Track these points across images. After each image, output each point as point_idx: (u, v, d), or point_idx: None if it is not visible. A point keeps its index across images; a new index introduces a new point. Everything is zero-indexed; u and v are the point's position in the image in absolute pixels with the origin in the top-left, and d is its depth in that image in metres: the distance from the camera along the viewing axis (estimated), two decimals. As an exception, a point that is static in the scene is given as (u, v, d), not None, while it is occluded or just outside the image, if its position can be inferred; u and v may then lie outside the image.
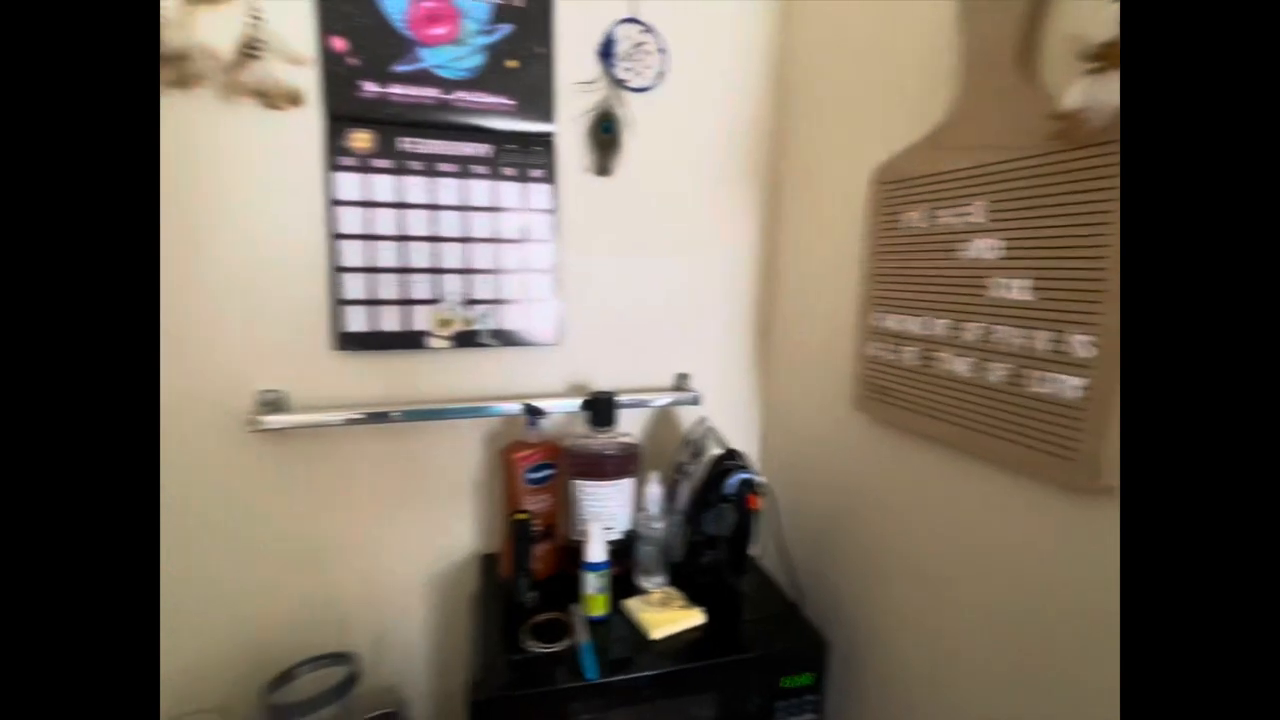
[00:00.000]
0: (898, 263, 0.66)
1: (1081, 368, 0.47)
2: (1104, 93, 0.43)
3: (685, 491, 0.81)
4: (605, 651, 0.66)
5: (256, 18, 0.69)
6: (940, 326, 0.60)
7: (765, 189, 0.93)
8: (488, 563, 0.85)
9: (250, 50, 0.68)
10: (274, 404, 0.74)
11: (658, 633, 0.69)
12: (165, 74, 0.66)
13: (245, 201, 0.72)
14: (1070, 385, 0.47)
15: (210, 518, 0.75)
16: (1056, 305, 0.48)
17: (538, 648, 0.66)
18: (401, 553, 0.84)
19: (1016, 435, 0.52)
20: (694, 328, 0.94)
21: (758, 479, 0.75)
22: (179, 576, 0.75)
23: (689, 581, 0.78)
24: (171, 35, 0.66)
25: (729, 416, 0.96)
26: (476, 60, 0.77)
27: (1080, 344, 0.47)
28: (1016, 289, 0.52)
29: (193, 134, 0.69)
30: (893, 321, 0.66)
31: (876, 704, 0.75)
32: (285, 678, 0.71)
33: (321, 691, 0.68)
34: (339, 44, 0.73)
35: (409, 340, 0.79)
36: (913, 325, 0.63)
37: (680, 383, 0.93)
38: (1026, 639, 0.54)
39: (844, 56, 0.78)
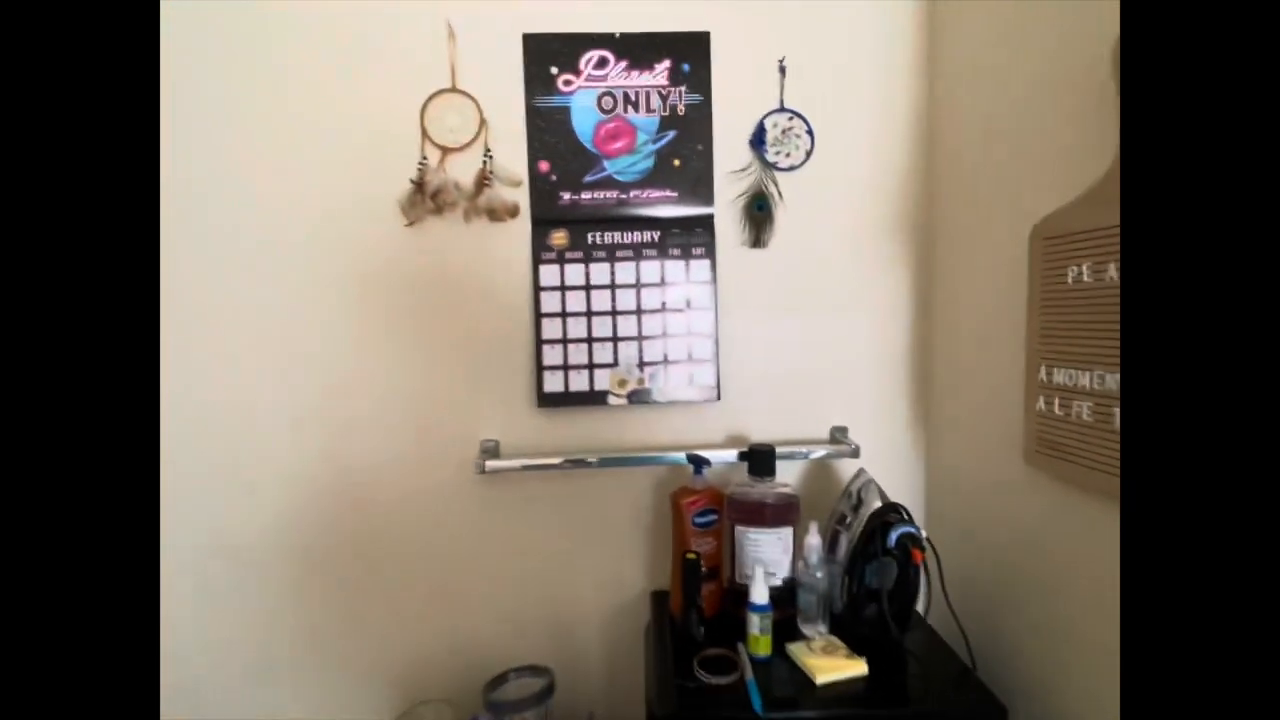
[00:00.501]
0: (1065, 317, 0.65)
1: None
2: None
3: (845, 543, 0.83)
4: (770, 689, 0.71)
5: (488, 156, 0.91)
6: (1111, 380, 0.58)
7: (917, 248, 0.96)
8: (657, 598, 0.94)
9: (483, 181, 0.91)
10: (491, 451, 0.93)
11: (822, 678, 0.72)
12: (429, 205, 0.90)
13: (477, 292, 0.93)
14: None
15: (444, 540, 0.95)
16: (1245, 361, 0.46)
17: (708, 678, 0.73)
18: (586, 582, 0.97)
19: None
20: (848, 383, 0.97)
21: (921, 532, 0.75)
22: (414, 585, 0.95)
23: (850, 633, 0.80)
24: (431, 177, 0.90)
25: (888, 471, 0.96)
26: (647, 164, 0.93)
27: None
28: (1198, 344, 0.50)
29: (445, 246, 0.92)
30: (1063, 376, 0.65)
31: (1074, 790, 0.69)
32: (500, 679, 0.86)
33: (528, 695, 0.81)
34: (543, 166, 0.92)
35: (594, 398, 0.94)
36: (1084, 380, 0.62)
37: (837, 436, 0.97)
38: None
39: (997, 114, 0.80)
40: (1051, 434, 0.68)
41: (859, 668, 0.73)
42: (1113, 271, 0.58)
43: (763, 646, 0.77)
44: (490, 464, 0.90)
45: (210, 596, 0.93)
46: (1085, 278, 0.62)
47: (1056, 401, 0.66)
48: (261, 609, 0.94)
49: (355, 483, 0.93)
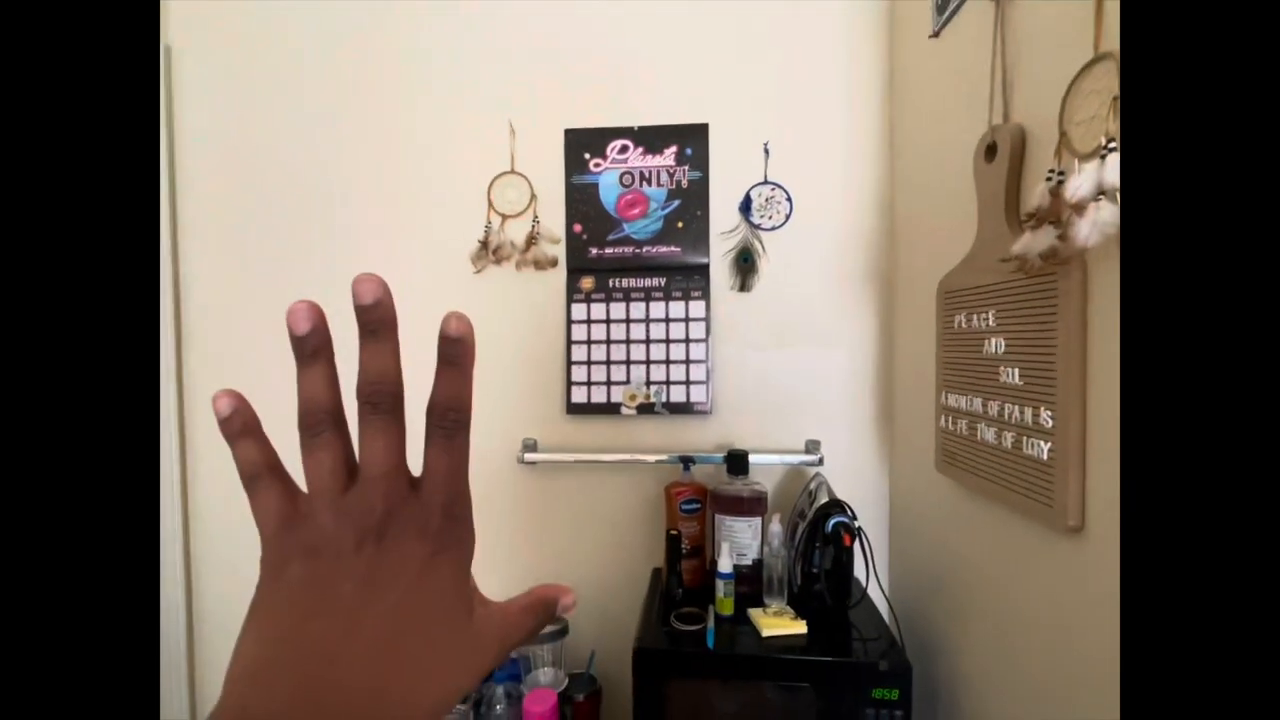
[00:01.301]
0: (953, 354, 0.84)
1: (1048, 435, 0.62)
2: (1036, 243, 0.62)
3: (801, 532, 1.03)
4: (724, 635, 0.92)
5: (536, 220, 1.20)
6: (976, 403, 0.77)
7: (879, 293, 1.15)
8: (656, 573, 1.17)
9: (532, 239, 1.19)
10: (531, 446, 1.19)
11: (767, 632, 0.92)
12: (491, 258, 1.19)
13: (525, 323, 1.21)
14: (1043, 449, 0.63)
15: (492, 516, 1.22)
16: (1034, 388, 0.65)
17: (680, 626, 0.95)
18: (600, 557, 1.21)
19: (1022, 488, 0.67)
20: (822, 403, 1.17)
21: (851, 521, 0.94)
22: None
23: (802, 606, 0.99)
24: (493, 237, 1.20)
25: (855, 475, 1.15)
26: (657, 225, 1.18)
27: (1045, 417, 0.63)
28: (1014, 376, 0.69)
29: (502, 289, 1.21)
30: (953, 399, 0.84)
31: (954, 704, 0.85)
32: (527, 623, 1.11)
33: (545, 634, 1.06)
34: (577, 228, 1.20)
35: (610, 409, 1.18)
36: (962, 402, 0.81)
37: (810, 447, 1.16)
38: (1035, 655, 0.66)
39: (929, 187, 0.99)
40: (949, 445, 0.86)
41: (800, 628, 0.93)
42: (976, 320, 0.77)
43: (726, 607, 0.97)
44: (529, 456, 1.17)
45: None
46: (963, 324, 0.81)
47: (950, 419, 0.85)
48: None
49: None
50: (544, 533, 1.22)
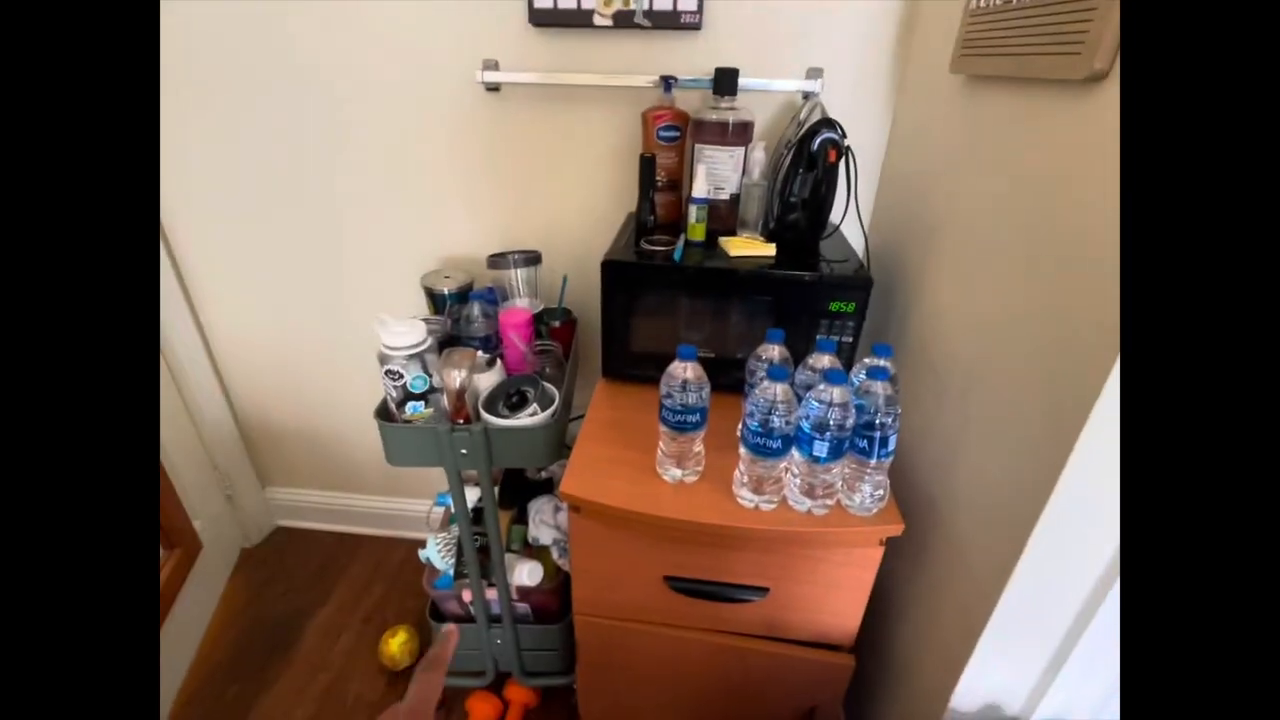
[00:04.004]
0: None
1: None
2: None
3: (784, 156, 0.96)
4: (693, 254, 0.92)
5: None
6: (1024, -49, 0.61)
7: None
8: (631, 215, 1.13)
9: None
10: (492, 65, 1.04)
11: (735, 251, 0.92)
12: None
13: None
14: (1095, -25, 0.51)
15: (461, 150, 1.14)
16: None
17: (650, 246, 0.94)
18: (576, 193, 1.16)
19: (1052, 41, 0.57)
20: (831, 28, 0.98)
21: (840, 139, 0.86)
22: (453, 196, 1.17)
23: (777, 238, 0.97)
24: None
25: (856, 109, 1.03)
26: None
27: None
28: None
29: None
30: (996, -36, 0.68)
31: (906, 323, 0.91)
32: (501, 254, 1.11)
33: (520, 257, 1.07)
34: None
35: (581, 18, 1.00)
36: (1006, -40, 0.65)
37: (811, 74, 1.02)
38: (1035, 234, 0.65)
39: None
40: (970, 32, 0.73)
41: (769, 250, 0.92)
42: None
43: (698, 233, 0.96)
44: (488, 75, 1.02)
45: (241, 221, 1.19)
46: None
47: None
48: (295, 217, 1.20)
49: (375, 97, 1.09)
50: (514, 170, 1.15)
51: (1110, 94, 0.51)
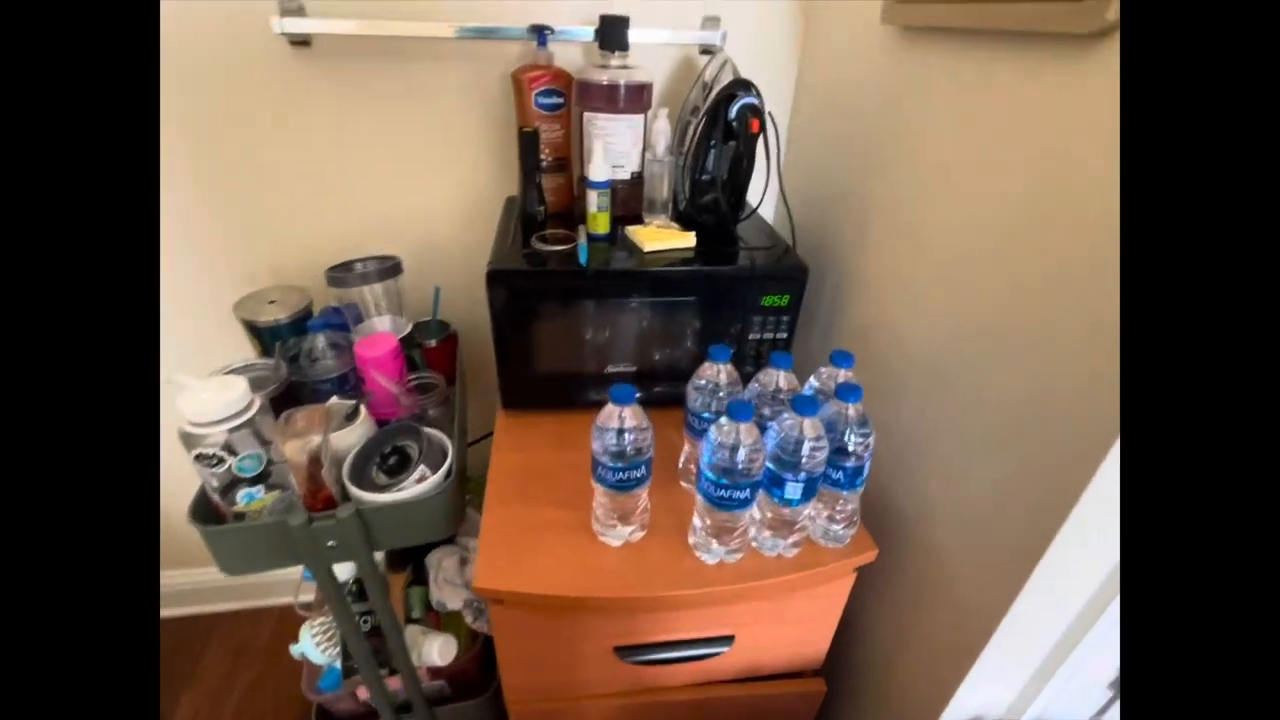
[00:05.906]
0: None
1: None
2: None
3: (693, 135, 0.81)
4: (599, 254, 0.75)
5: None
6: None
7: None
8: (510, 203, 0.93)
9: None
10: (295, 9, 0.76)
11: (650, 246, 0.76)
12: None
13: None
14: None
15: (266, 127, 0.85)
16: None
17: (545, 247, 0.75)
18: (439, 180, 0.93)
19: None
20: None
21: (763, 105, 0.73)
22: (257, 196, 0.87)
23: (691, 222, 0.83)
24: None
25: (761, 57, 0.90)
26: None
27: None
28: None
29: None
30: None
31: (843, 310, 0.83)
32: (346, 266, 0.86)
33: (371, 270, 0.82)
34: None
35: (415, -55, 0.75)
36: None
37: (707, 24, 0.86)
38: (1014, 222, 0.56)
39: None
40: (911, -27, 0.61)
41: (687, 240, 0.78)
42: None
43: (601, 225, 0.79)
44: (289, 24, 0.75)
45: None
46: None
47: (926, -76, 0.58)
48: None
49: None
50: (349, 153, 0.88)
51: (1112, 55, 0.42)
